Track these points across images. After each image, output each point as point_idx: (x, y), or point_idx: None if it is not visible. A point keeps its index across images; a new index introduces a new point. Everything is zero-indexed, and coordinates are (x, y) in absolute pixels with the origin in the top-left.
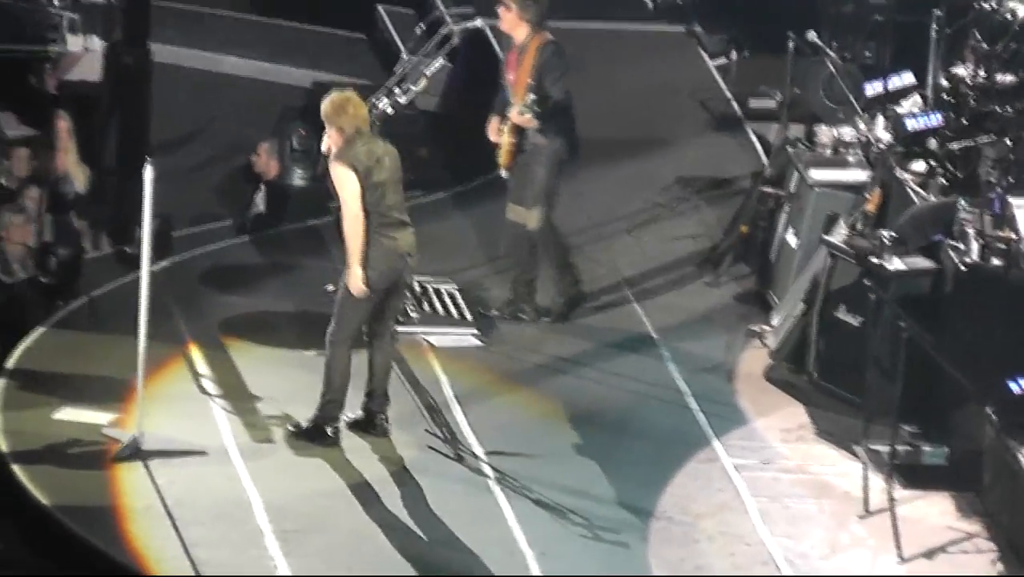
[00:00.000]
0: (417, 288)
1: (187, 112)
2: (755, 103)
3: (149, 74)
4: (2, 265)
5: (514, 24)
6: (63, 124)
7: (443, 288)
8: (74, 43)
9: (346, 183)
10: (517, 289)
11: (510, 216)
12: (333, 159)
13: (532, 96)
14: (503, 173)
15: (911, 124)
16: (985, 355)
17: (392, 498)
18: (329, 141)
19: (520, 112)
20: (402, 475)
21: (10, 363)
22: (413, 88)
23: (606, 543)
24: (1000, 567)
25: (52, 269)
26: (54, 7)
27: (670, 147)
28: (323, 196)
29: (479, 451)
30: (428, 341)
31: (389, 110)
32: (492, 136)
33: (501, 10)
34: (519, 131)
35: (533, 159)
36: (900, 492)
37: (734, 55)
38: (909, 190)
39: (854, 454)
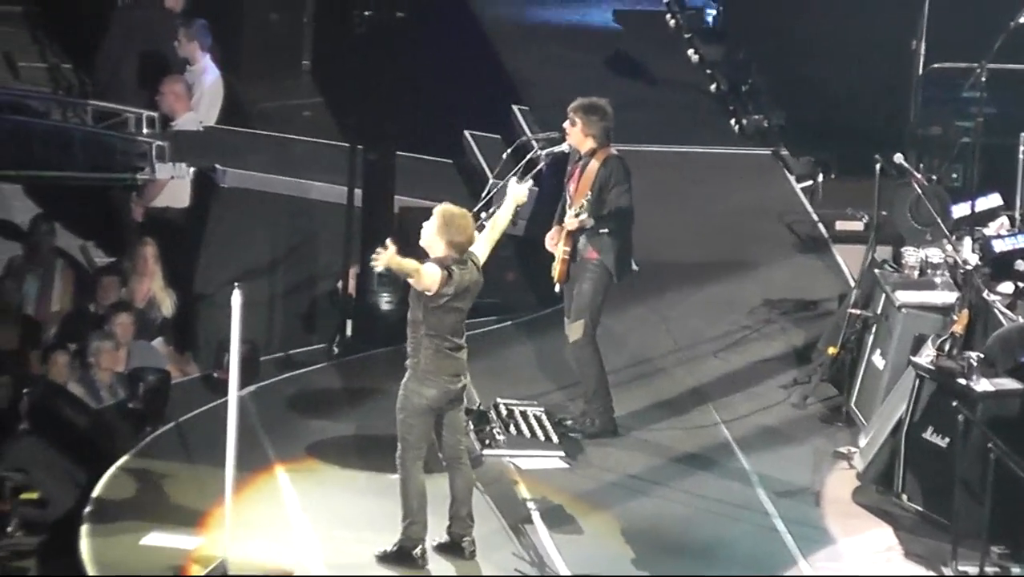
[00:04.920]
0: (504, 411)
1: (275, 237)
2: (842, 225)
3: (393, 173)
4: (91, 391)
5: (579, 139)
6: (149, 250)
7: (529, 411)
8: (162, 171)
9: (432, 278)
10: (591, 402)
11: (567, 332)
12: (432, 261)
13: (588, 199)
14: (557, 287)
15: (998, 245)
16: None
17: None
18: (429, 245)
19: (575, 214)
20: None
21: (98, 489)
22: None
23: None
24: None
25: (140, 395)
26: (142, 135)
27: (757, 270)
28: None
29: (565, 574)
30: (515, 464)
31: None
32: (549, 246)
33: (567, 124)
34: (573, 243)
35: (581, 273)
36: None
37: (820, 178)
38: (997, 311)
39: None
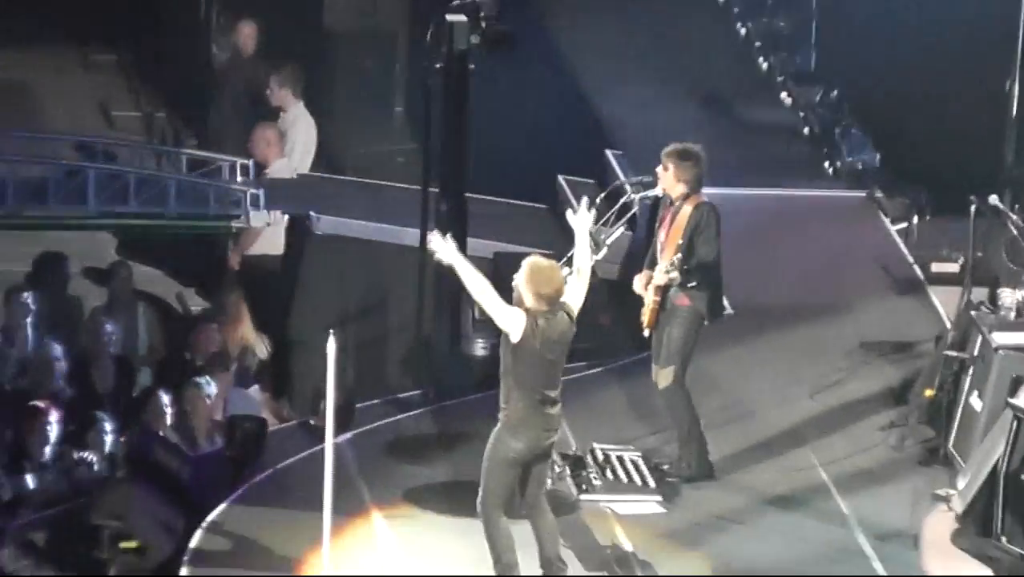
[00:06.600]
0: (600, 456)
1: (369, 283)
2: (937, 267)
3: (465, 219)
4: (187, 438)
5: (671, 184)
6: (239, 298)
7: (626, 455)
8: (256, 219)
9: (515, 323)
10: (685, 445)
11: (655, 378)
12: (520, 308)
13: (679, 256)
14: (645, 332)
15: None
16: None
17: None
18: (518, 297)
19: (665, 271)
20: None
21: (196, 537)
22: (595, 256)
23: None
24: None
25: (237, 442)
26: (236, 183)
27: (852, 311)
28: None
29: None
30: (612, 508)
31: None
32: (637, 289)
33: (659, 169)
34: (664, 291)
35: (671, 319)
36: None
37: (915, 219)
38: None
39: None
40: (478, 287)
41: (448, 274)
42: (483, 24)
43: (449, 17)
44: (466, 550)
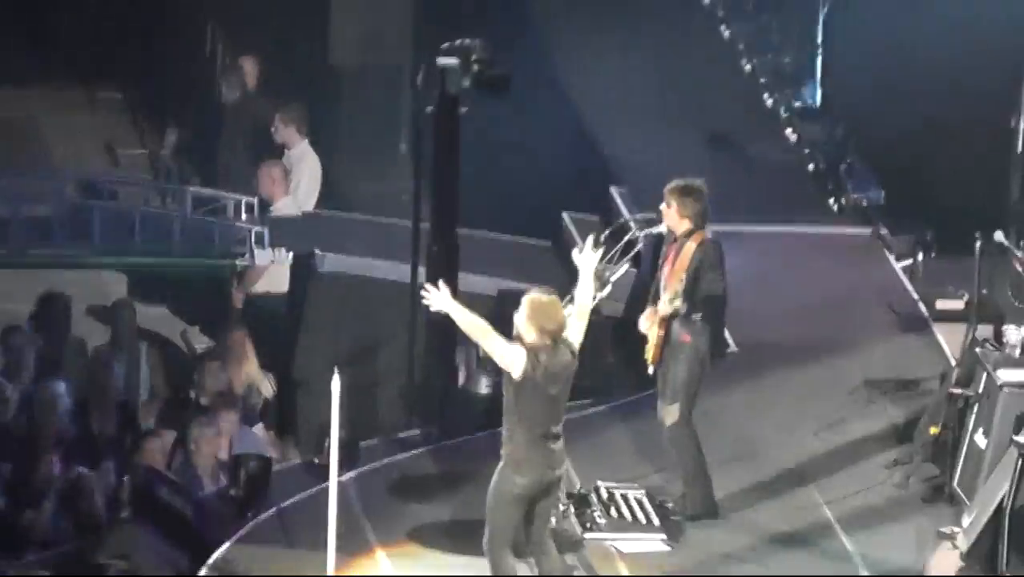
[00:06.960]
0: (604, 494)
1: (374, 321)
2: (942, 304)
3: (456, 258)
4: (193, 478)
5: (675, 220)
6: (243, 336)
7: (630, 494)
8: (261, 257)
9: (515, 360)
10: (690, 484)
11: (661, 415)
12: (520, 343)
13: (682, 284)
14: (650, 369)
15: None
16: None
17: None
18: (521, 334)
19: (669, 300)
20: None
21: (201, 575)
22: (598, 294)
23: None
24: None
25: (241, 481)
26: (241, 221)
27: (857, 349)
28: None
29: None
30: (616, 547)
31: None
32: (643, 328)
33: (663, 206)
34: (667, 326)
35: (675, 356)
36: None
37: (920, 256)
38: None
39: None
40: (475, 329)
41: (443, 316)
42: (475, 67)
43: (440, 60)
44: None
